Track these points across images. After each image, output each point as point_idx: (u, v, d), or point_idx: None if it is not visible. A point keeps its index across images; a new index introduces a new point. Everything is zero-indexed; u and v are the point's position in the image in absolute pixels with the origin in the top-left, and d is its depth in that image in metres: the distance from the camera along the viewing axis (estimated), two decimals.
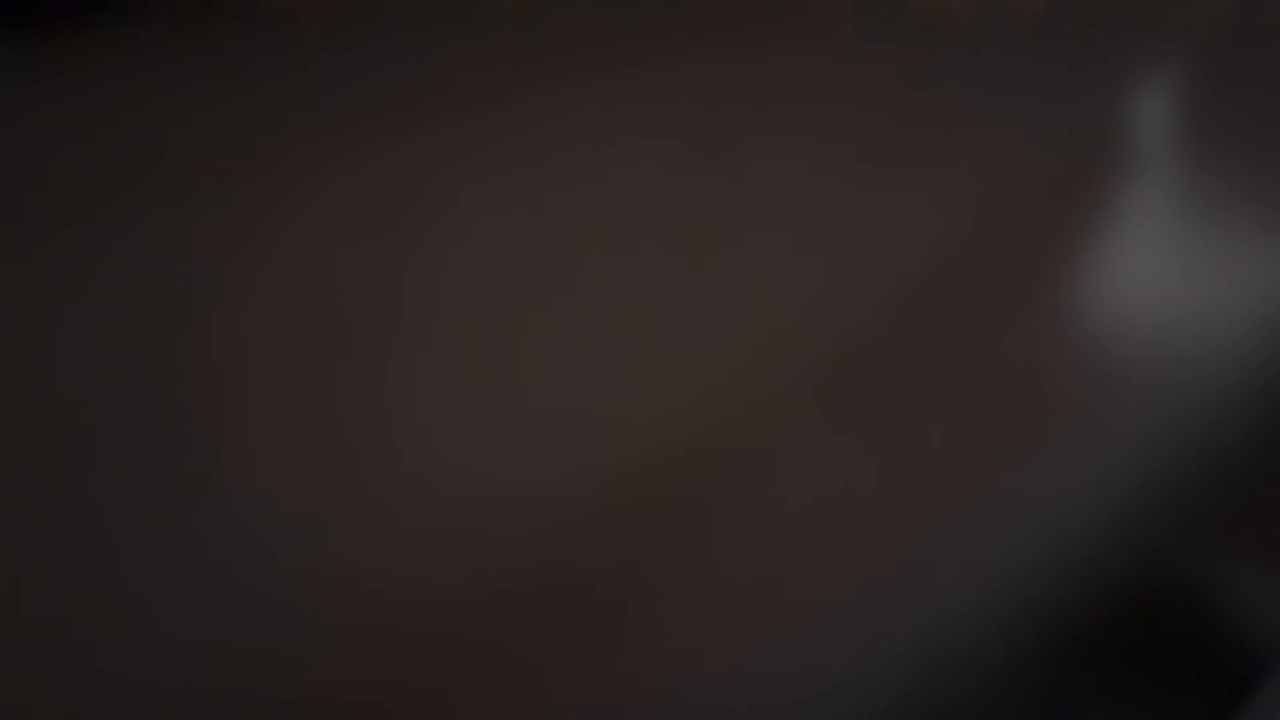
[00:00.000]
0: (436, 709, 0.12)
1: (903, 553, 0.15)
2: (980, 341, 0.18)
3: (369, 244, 0.18)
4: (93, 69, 0.20)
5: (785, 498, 0.15)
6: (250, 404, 0.15)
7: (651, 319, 0.17)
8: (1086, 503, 0.16)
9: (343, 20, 0.22)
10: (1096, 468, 0.16)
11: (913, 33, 0.24)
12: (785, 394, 0.16)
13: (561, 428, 0.15)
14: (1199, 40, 0.25)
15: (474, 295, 0.17)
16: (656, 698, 0.13)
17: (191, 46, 0.21)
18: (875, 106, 0.22)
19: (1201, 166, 0.22)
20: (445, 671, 0.13)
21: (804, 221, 0.19)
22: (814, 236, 0.19)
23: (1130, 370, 0.18)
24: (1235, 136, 0.23)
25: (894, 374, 0.17)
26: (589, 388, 0.16)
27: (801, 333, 0.17)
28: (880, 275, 0.18)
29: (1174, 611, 0.18)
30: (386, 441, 0.15)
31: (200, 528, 0.14)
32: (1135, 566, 0.16)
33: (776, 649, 0.13)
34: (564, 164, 0.20)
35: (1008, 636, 0.15)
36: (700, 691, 0.13)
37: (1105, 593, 0.16)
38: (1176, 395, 0.18)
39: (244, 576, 0.13)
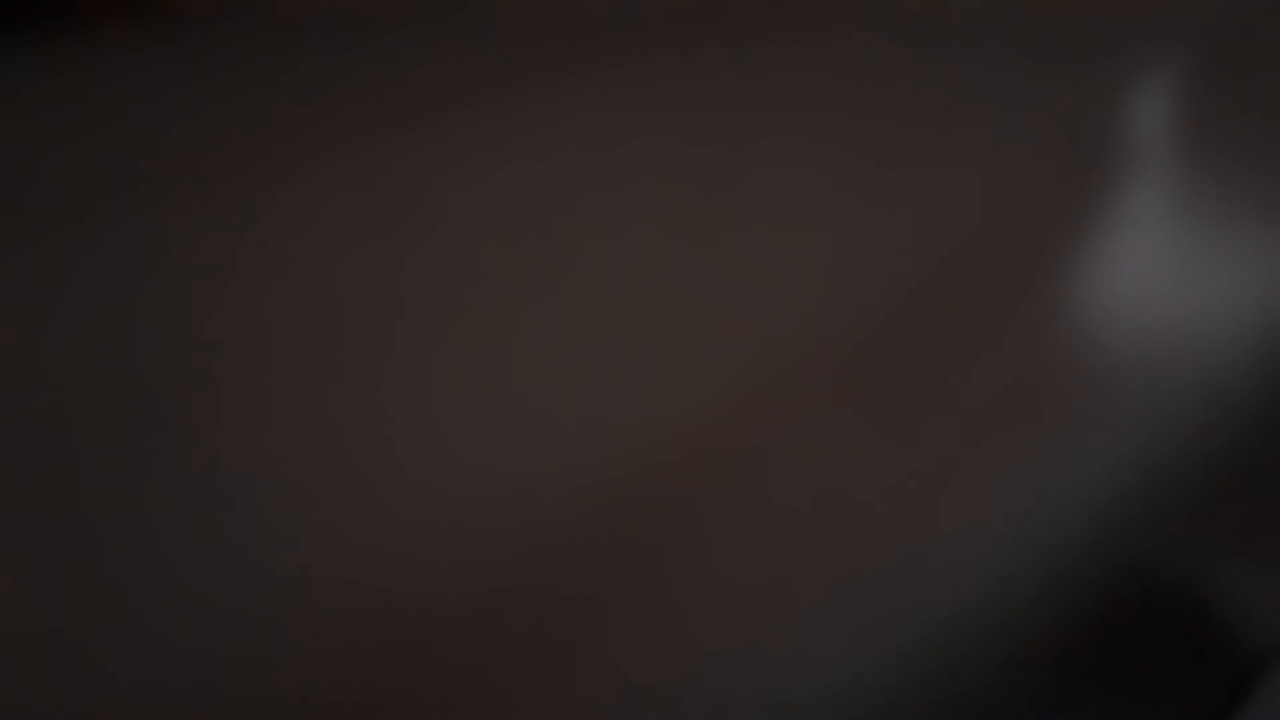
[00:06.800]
0: (431, 710, 0.12)
1: (901, 552, 0.15)
2: (979, 340, 0.18)
3: (367, 243, 0.18)
4: (92, 69, 0.20)
5: (784, 498, 0.15)
6: (246, 404, 0.15)
7: (652, 318, 0.17)
8: (1085, 502, 0.16)
9: (341, 20, 0.22)
10: (1096, 467, 0.16)
11: (914, 32, 0.24)
12: (785, 394, 0.16)
13: (559, 427, 0.15)
14: (1199, 40, 0.25)
15: (472, 294, 0.17)
16: (652, 700, 0.13)
17: (190, 46, 0.21)
18: (877, 105, 0.22)
19: (1201, 166, 0.22)
20: (439, 673, 0.13)
21: (805, 220, 0.19)
22: (815, 235, 0.19)
23: (1130, 369, 0.18)
24: (1235, 136, 0.23)
25: (894, 373, 0.17)
26: (587, 387, 0.16)
27: (801, 333, 0.17)
28: (881, 275, 0.18)
29: (1173, 611, 0.18)
30: (382, 441, 0.15)
31: (195, 528, 0.14)
32: (1134, 565, 0.16)
33: (774, 650, 0.13)
34: (564, 162, 0.20)
35: (1006, 636, 0.15)
36: (697, 694, 0.13)
37: (1104, 592, 0.16)
38: (1176, 394, 0.18)
39: (237, 578, 0.13)
